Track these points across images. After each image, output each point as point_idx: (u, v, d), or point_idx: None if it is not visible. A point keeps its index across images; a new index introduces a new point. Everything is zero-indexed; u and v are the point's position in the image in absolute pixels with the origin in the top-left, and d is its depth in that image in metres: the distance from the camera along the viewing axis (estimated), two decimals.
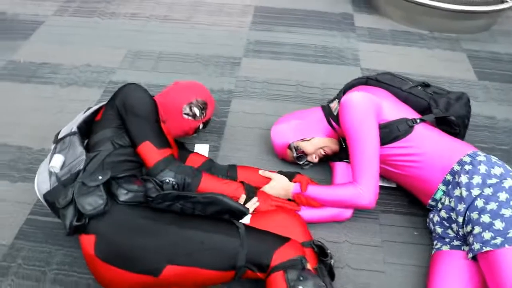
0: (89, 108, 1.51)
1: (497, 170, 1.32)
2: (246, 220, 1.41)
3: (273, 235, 1.27)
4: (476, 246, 1.23)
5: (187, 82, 1.70)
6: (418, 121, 1.48)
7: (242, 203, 1.47)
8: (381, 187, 1.72)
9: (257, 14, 2.86)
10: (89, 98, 2.10)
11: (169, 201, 1.26)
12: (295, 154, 1.66)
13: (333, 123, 1.60)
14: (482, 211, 1.26)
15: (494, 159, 1.38)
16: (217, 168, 1.66)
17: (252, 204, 1.48)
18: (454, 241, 1.38)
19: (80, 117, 1.46)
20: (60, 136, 1.41)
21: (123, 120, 1.40)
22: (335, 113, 1.58)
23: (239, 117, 2.04)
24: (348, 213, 1.58)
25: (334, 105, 1.60)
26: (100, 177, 1.24)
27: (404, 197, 1.70)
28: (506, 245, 1.17)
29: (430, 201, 1.48)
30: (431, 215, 1.49)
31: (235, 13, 2.86)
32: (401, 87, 1.62)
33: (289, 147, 1.66)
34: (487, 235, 1.22)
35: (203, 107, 1.65)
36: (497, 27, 2.83)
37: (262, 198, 1.51)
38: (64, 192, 1.24)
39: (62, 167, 1.32)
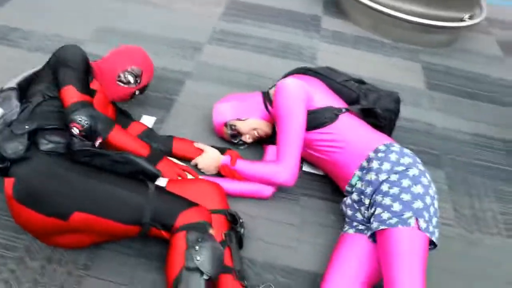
0: (33, 68, 1.62)
1: (406, 160, 1.45)
2: (162, 183, 1.52)
3: (181, 198, 1.37)
4: (375, 225, 1.35)
5: (127, 47, 1.77)
6: (343, 110, 1.61)
7: None
8: (308, 173, 1.85)
9: (230, 6, 2.99)
10: None
11: (88, 156, 1.37)
12: (229, 132, 1.78)
13: (269, 107, 1.72)
14: (385, 194, 1.39)
15: (406, 150, 1.50)
16: (154, 136, 1.77)
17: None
18: (360, 225, 1.50)
19: (23, 75, 1.57)
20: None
21: (55, 72, 1.49)
22: (271, 97, 1.70)
23: (190, 97, 2.16)
24: (268, 191, 1.69)
25: (272, 91, 1.72)
26: (26, 127, 1.34)
27: (329, 185, 1.81)
28: (399, 225, 1.29)
29: (347, 186, 1.60)
30: (344, 199, 1.61)
31: (209, 2, 2.98)
32: (336, 79, 1.75)
33: (226, 124, 1.78)
34: (385, 215, 1.34)
35: (138, 75, 1.74)
36: (458, 45, 2.97)
37: (168, 164, 1.62)
38: None
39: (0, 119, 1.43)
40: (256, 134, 1.78)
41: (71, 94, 1.44)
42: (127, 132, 1.58)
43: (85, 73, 1.53)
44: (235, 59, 2.45)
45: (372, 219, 1.39)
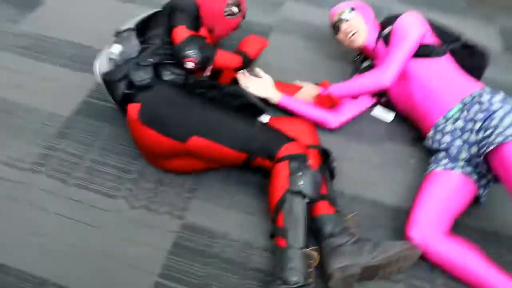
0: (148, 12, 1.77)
1: None
2: (265, 120, 1.66)
3: (283, 133, 1.50)
4: (499, 138, 1.41)
5: None
6: (451, 47, 1.74)
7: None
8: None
9: None
10: None
11: (203, 88, 1.52)
12: (344, 14, 1.86)
13: (379, 40, 1.83)
14: (503, 116, 1.47)
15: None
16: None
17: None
18: (449, 163, 1.58)
19: (139, 17, 1.73)
20: (119, 30, 1.69)
21: (170, 17, 1.64)
22: (386, 32, 1.79)
23: (275, 48, 2.26)
24: (333, 124, 1.84)
25: (386, 30, 1.80)
26: (151, 60, 1.51)
27: (408, 132, 1.90)
28: None
29: (440, 119, 1.65)
30: (441, 127, 1.66)
31: None
32: (438, 25, 1.84)
33: (350, 8, 1.87)
34: (508, 131, 1.41)
35: (238, 3, 1.86)
36: None
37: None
38: (121, 69, 1.52)
39: (119, 56, 1.59)
40: (352, 33, 1.85)
41: (181, 32, 1.58)
42: (226, 52, 1.71)
43: (196, 18, 1.67)
44: (315, 15, 2.54)
45: (490, 137, 1.44)
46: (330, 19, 1.94)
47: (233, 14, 1.85)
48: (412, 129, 1.90)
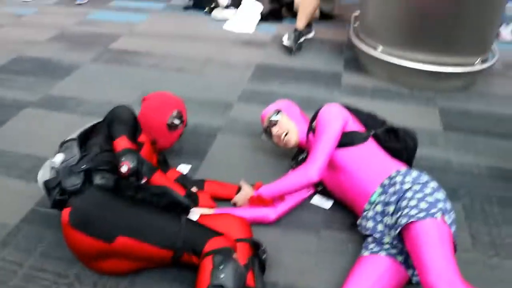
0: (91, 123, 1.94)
1: (425, 178, 1.64)
2: (194, 217, 1.73)
3: (209, 228, 1.57)
4: (403, 220, 1.48)
5: (155, 99, 2.02)
6: (373, 132, 1.86)
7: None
8: (322, 209, 2.01)
9: (258, 69, 3.32)
10: None
11: (131, 190, 1.62)
12: (272, 118, 1.99)
13: (310, 135, 1.94)
14: (410, 198, 1.54)
15: (424, 173, 1.68)
16: (188, 180, 2.02)
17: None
18: (375, 247, 1.62)
19: (82, 128, 1.88)
20: (63, 141, 1.83)
21: (109, 126, 1.79)
22: (313, 127, 1.91)
23: (221, 148, 2.42)
24: (272, 216, 1.89)
25: (314, 123, 1.93)
26: (83, 166, 1.63)
27: (346, 218, 1.95)
28: (428, 218, 1.44)
29: (366, 205, 1.73)
30: (364, 213, 1.74)
31: (239, 67, 3.34)
32: (362, 112, 2.00)
33: (276, 111, 2.00)
34: (413, 212, 1.48)
35: (180, 115, 2.02)
36: (475, 88, 3.09)
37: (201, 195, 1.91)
38: (57, 176, 1.64)
39: (61, 164, 1.72)
40: (284, 135, 1.97)
41: (123, 143, 1.72)
42: (166, 176, 1.84)
43: (134, 127, 1.82)
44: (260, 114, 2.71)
45: (399, 219, 1.51)
46: (262, 124, 2.09)
47: (175, 126, 2.01)
48: (350, 214, 1.95)
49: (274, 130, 2.00)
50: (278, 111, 2.00)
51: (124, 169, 1.64)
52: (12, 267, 1.71)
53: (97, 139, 1.79)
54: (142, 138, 1.92)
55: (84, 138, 1.86)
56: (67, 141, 1.80)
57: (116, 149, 1.70)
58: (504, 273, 1.73)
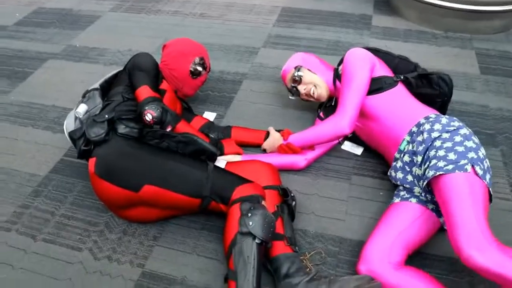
0: (112, 72, 1.89)
1: (456, 124, 1.54)
2: (221, 165, 1.70)
3: (237, 176, 1.53)
4: (430, 173, 1.40)
5: (177, 46, 1.93)
6: (402, 77, 1.73)
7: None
8: (354, 155, 1.95)
9: (283, 13, 3.17)
10: None
11: (156, 138, 1.59)
12: (294, 75, 1.88)
13: (337, 82, 1.84)
14: (439, 148, 1.45)
15: (455, 119, 1.58)
16: (214, 127, 1.98)
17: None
18: (406, 194, 1.57)
19: (104, 78, 1.84)
20: (86, 91, 1.80)
21: (130, 76, 1.74)
22: (340, 72, 1.82)
23: (247, 94, 2.35)
24: (302, 163, 1.84)
25: (340, 67, 1.83)
26: (106, 116, 1.60)
27: (378, 165, 1.89)
28: (456, 171, 1.35)
29: (396, 153, 1.66)
30: (394, 163, 1.67)
31: (263, 12, 3.20)
32: (393, 55, 1.86)
33: (296, 68, 1.90)
34: (441, 163, 1.40)
35: (203, 62, 1.95)
36: None
37: (227, 143, 1.87)
38: (81, 127, 1.62)
39: (84, 114, 1.69)
40: (313, 90, 1.87)
41: (145, 92, 1.67)
42: (191, 126, 1.79)
43: (155, 76, 1.76)
44: (287, 59, 2.60)
45: (427, 171, 1.44)
46: (285, 85, 1.99)
47: (198, 73, 1.95)
48: (382, 161, 1.89)
49: (301, 88, 1.90)
50: (298, 68, 1.89)
51: (148, 117, 1.61)
52: (45, 216, 1.73)
53: (119, 88, 1.74)
54: (163, 85, 1.86)
55: (107, 87, 1.82)
56: (90, 90, 1.76)
57: (139, 99, 1.66)
58: None
